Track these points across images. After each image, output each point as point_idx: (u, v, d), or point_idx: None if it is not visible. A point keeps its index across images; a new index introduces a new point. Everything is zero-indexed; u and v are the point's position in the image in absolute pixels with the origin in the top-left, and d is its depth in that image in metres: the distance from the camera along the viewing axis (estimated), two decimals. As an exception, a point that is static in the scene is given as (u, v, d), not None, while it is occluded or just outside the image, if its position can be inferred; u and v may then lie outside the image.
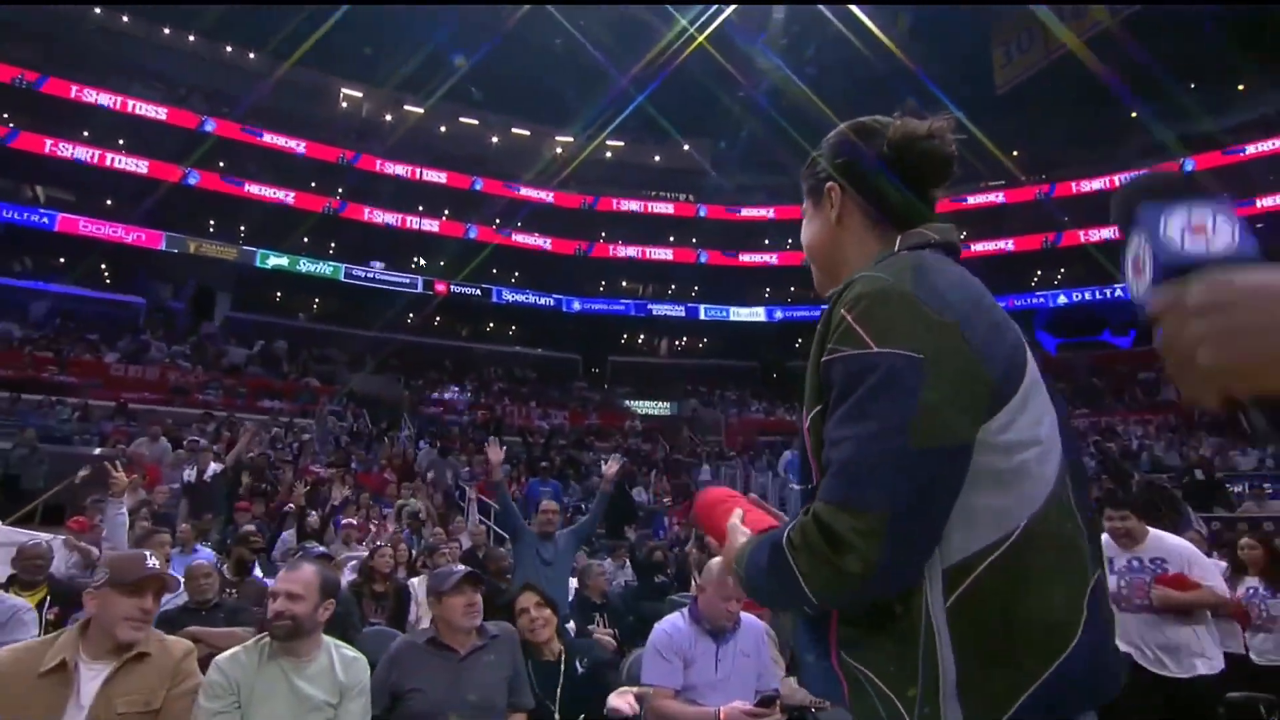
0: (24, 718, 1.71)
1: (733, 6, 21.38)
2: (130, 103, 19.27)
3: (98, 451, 9.76)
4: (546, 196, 24.32)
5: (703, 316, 25.73)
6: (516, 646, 2.59)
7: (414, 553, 6.00)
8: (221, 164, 20.45)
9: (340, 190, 22.65)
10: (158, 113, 19.62)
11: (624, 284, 26.95)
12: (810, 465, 0.90)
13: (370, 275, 22.11)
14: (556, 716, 2.55)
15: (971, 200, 23.01)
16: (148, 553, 1.94)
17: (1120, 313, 22.29)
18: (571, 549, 4.58)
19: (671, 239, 26.36)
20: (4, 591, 3.16)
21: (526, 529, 4.45)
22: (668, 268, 26.01)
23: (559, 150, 26.08)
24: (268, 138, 21.01)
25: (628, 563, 7.19)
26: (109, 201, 20.04)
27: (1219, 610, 3.22)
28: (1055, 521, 0.82)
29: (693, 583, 6.88)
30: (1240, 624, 3.94)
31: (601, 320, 25.51)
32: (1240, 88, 20.96)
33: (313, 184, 22.12)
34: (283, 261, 20.91)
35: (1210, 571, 3.18)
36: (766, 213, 25.60)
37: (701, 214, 25.90)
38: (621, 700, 2.32)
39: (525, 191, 24.14)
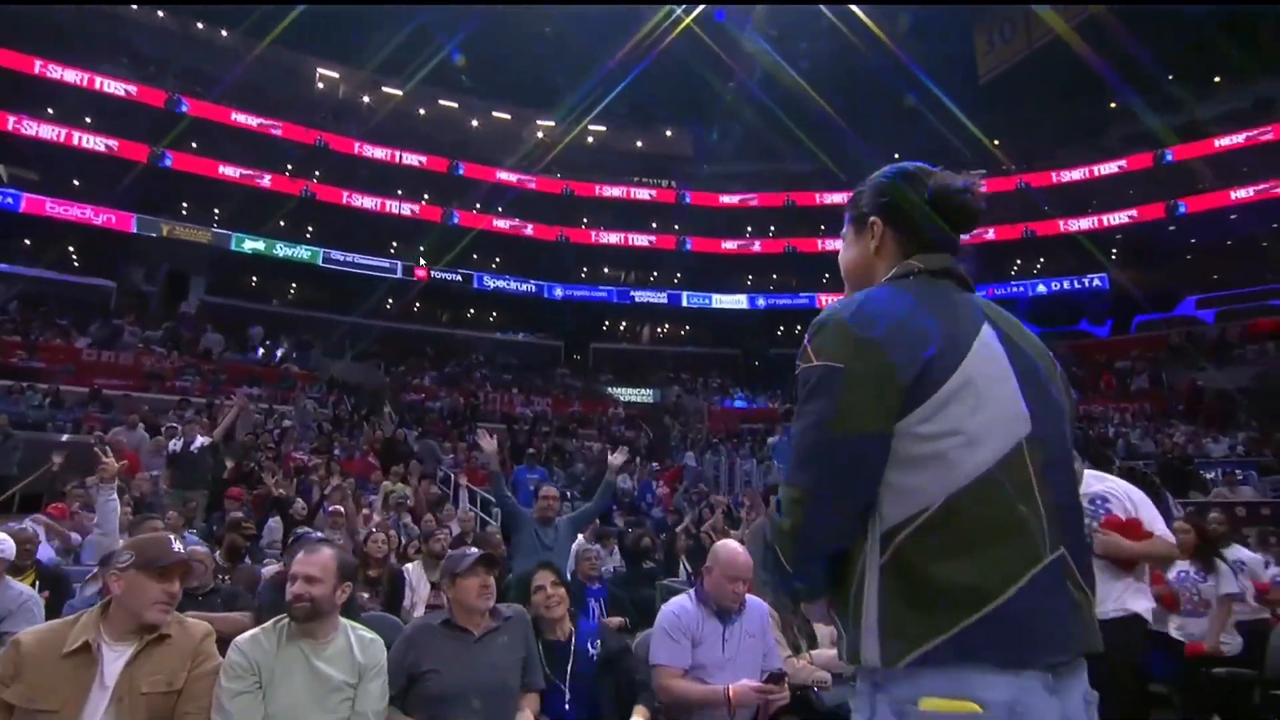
0: (50, 699, 1.71)
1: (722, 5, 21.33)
2: (98, 79, 18.70)
3: (64, 439, 9.57)
4: (529, 181, 24.10)
5: (685, 304, 25.64)
6: (529, 628, 2.62)
7: (402, 539, 6.00)
8: (194, 145, 19.96)
9: (317, 173, 22.23)
10: (127, 90, 19.05)
11: (606, 270, 26.84)
12: None
13: (350, 260, 21.74)
14: (568, 695, 2.60)
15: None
16: (171, 536, 1.92)
17: (1098, 302, 22.77)
18: (571, 535, 4.60)
19: (654, 225, 26.26)
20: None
21: (527, 514, 4.46)
22: (650, 254, 25.87)
23: (540, 135, 25.82)
24: (242, 118, 20.49)
25: (616, 549, 7.22)
26: (76, 182, 19.47)
27: (1158, 564, 2.98)
28: (980, 501, 0.96)
29: (680, 569, 6.97)
30: (1168, 609, 3.81)
31: (584, 306, 25.35)
32: (1217, 79, 21.32)
33: (289, 167, 21.69)
34: (259, 245, 20.51)
35: (1158, 518, 2.81)
36: (750, 199, 25.58)
37: (684, 200, 25.79)
38: None
39: (506, 176, 23.88)
